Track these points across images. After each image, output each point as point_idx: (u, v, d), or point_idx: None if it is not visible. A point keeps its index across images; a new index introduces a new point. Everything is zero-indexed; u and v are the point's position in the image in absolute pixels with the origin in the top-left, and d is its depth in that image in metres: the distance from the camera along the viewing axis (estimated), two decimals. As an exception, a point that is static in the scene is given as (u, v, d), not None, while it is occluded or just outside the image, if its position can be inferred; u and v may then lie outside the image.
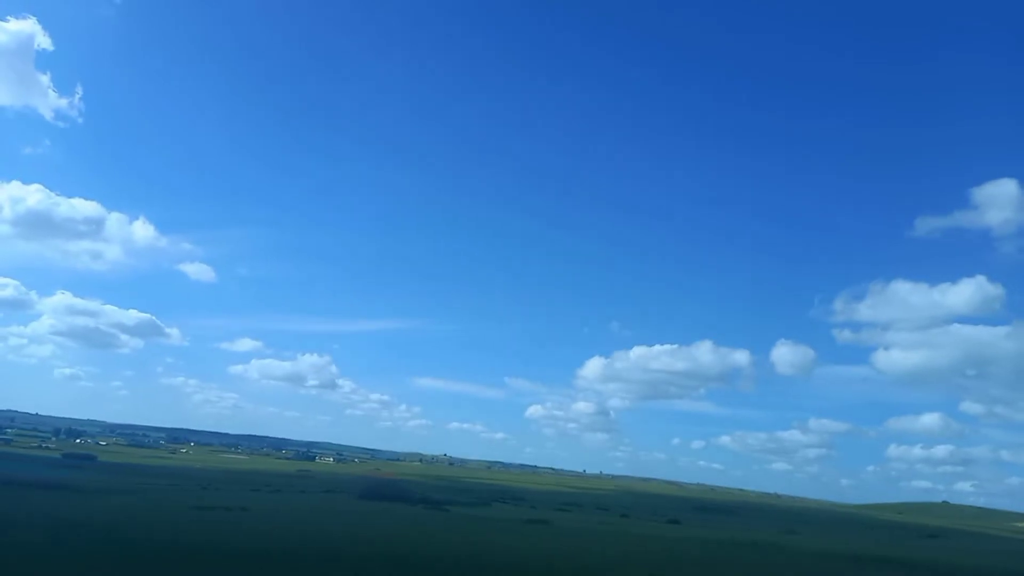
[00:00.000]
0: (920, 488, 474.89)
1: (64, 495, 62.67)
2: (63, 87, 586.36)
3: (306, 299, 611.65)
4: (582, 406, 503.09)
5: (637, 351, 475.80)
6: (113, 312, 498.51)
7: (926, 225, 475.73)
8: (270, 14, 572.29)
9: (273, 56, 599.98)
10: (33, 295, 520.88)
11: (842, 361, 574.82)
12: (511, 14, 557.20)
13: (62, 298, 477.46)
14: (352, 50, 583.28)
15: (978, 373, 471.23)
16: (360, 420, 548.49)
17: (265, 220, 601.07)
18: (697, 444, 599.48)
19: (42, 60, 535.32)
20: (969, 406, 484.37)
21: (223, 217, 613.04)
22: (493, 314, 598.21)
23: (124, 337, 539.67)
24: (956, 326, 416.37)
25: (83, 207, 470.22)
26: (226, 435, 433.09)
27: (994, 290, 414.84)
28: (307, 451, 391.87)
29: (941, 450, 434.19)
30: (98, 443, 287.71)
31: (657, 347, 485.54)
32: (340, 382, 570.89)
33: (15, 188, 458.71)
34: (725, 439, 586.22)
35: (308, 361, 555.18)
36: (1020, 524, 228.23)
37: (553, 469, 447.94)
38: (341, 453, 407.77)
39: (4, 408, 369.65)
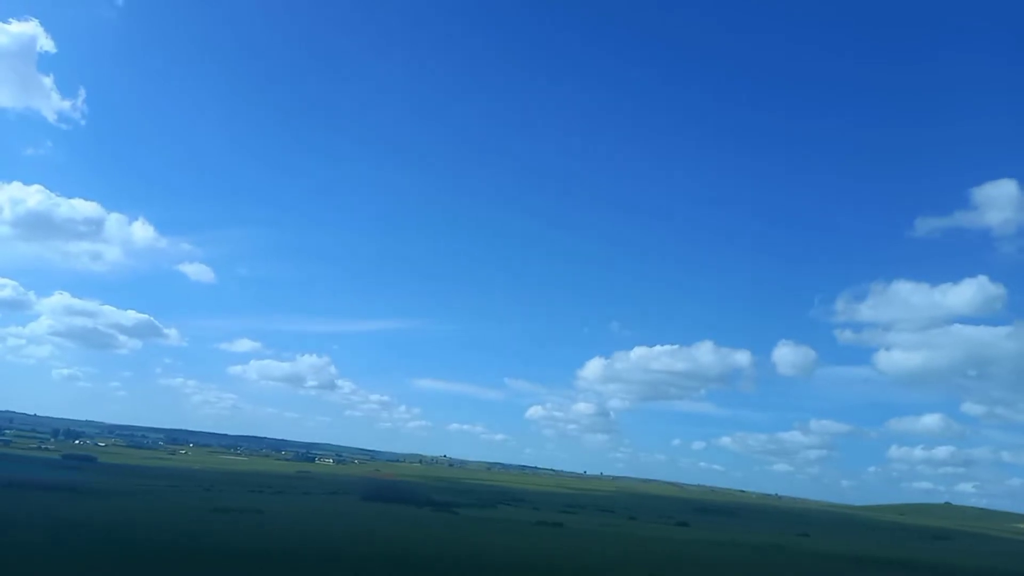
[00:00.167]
0: (921, 489, 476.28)
1: (74, 497, 61.98)
2: (66, 89, 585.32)
3: (305, 299, 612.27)
4: (582, 407, 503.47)
5: (637, 352, 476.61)
6: (112, 313, 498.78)
7: (926, 225, 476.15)
8: (270, 15, 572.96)
9: (273, 57, 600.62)
10: (32, 295, 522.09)
11: (843, 362, 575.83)
12: (511, 14, 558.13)
13: (61, 299, 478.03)
14: (352, 50, 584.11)
15: (979, 374, 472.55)
16: (359, 421, 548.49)
17: (264, 221, 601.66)
18: (698, 445, 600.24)
19: (44, 62, 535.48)
20: (970, 407, 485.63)
21: (222, 218, 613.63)
22: (493, 315, 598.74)
23: (123, 338, 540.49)
24: (957, 326, 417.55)
25: (83, 208, 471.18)
26: (225, 436, 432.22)
27: (995, 290, 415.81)
28: (306, 452, 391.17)
29: (942, 451, 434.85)
30: (97, 444, 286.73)
31: (658, 347, 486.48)
32: (339, 383, 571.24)
33: (16, 189, 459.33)
34: (726, 440, 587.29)
35: (307, 362, 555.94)
36: (1022, 525, 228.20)
37: (553, 470, 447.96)
38: (340, 454, 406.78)
39: (2, 409, 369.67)
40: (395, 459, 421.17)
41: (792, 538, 79.47)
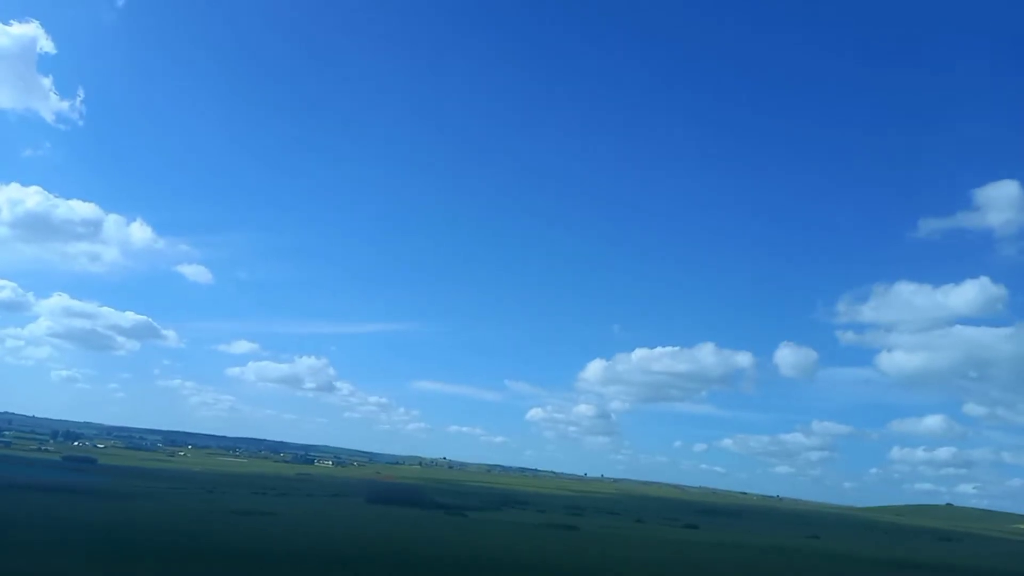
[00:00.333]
0: (923, 490, 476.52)
1: (84, 499, 61.46)
2: (65, 90, 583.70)
3: (304, 301, 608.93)
4: (583, 409, 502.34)
5: (638, 353, 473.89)
6: (110, 314, 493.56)
7: (928, 226, 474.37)
8: (270, 16, 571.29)
9: (272, 58, 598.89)
10: (30, 297, 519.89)
11: (845, 363, 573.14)
12: (511, 14, 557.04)
13: (59, 300, 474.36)
14: (352, 50, 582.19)
15: (980, 375, 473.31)
16: (358, 423, 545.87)
17: (263, 222, 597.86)
18: (699, 447, 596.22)
19: (44, 63, 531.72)
20: (971, 408, 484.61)
21: (221, 219, 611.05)
22: (493, 316, 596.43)
23: (121, 339, 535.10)
24: (958, 327, 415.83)
25: (81, 209, 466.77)
26: (223, 438, 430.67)
27: (996, 291, 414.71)
28: (305, 454, 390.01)
29: (943, 452, 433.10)
30: (96, 446, 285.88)
31: (658, 349, 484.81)
32: (338, 385, 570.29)
33: (14, 190, 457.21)
34: (727, 442, 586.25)
35: (306, 363, 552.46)
36: (1022, 526, 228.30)
37: (553, 472, 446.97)
38: (339, 456, 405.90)
39: (1, 410, 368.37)
40: (394, 461, 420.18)
41: (805, 540, 79.02)
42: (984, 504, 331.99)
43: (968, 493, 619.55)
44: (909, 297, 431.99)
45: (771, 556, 50.88)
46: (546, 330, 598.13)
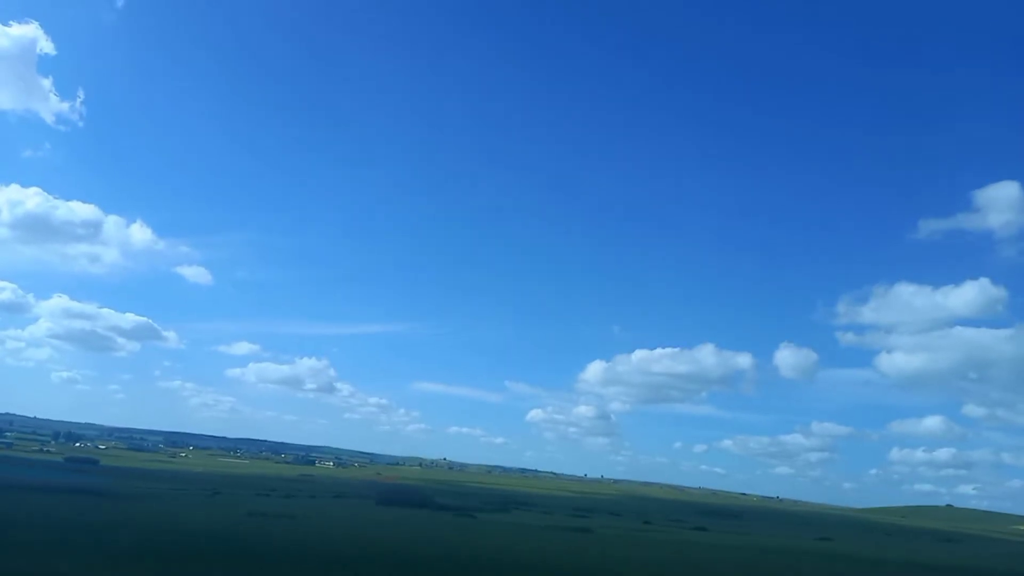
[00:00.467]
0: (923, 491, 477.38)
1: (95, 501, 61.42)
2: (64, 91, 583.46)
3: (304, 302, 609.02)
4: (583, 410, 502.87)
5: (638, 354, 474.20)
6: (110, 315, 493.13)
7: (928, 227, 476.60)
8: (270, 17, 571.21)
9: (272, 59, 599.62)
10: (31, 298, 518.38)
11: (845, 364, 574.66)
12: (511, 14, 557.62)
13: (59, 301, 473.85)
14: (352, 51, 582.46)
15: (980, 376, 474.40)
16: (359, 424, 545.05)
17: (263, 223, 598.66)
18: (699, 448, 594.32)
19: (44, 64, 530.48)
20: (971, 409, 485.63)
21: (220, 220, 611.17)
22: (493, 317, 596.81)
23: (121, 340, 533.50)
24: (958, 329, 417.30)
25: (81, 210, 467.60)
26: (224, 439, 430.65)
27: (996, 292, 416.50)
28: (306, 455, 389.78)
29: (943, 453, 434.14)
30: (97, 447, 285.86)
31: (658, 350, 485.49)
32: (338, 386, 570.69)
33: (14, 191, 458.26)
34: (727, 443, 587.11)
35: (306, 364, 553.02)
36: (1022, 527, 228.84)
37: (554, 473, 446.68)
38: (340, 457, 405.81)
39: (2, 411, 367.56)
40: (394, 462, 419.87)
41: (817, 543, 79.12)
42: (984, 505, 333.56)
43: (968, 494, 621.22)
44: (909, 298, 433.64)
45: (790, 559, 50.94)
46: (546, 331, 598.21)
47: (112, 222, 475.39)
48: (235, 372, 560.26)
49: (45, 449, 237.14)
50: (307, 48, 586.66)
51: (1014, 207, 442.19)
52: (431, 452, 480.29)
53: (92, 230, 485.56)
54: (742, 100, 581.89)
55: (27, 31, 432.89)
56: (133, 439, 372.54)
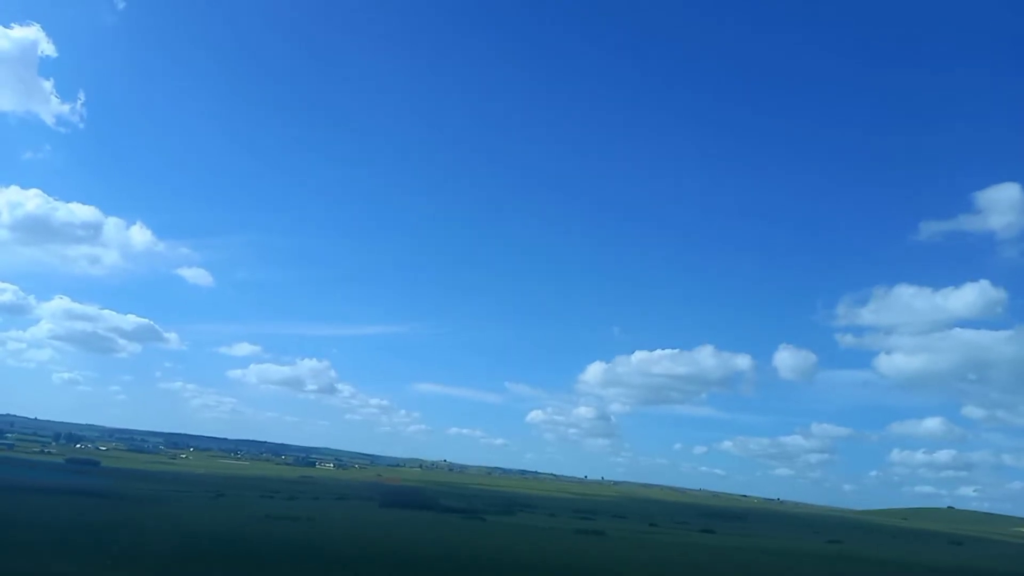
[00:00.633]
0: (923, 493, 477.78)
1: (99, 502, 60.90)
2: (65, 93, 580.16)
3: (305, 303, 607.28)
4: (583, 411, 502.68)
5: (638, 356, 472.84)
6: (111, 317, 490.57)
7: (929, 229, 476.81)
8: (270, 19, 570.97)
9: (273, 60, 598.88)
10: (32, 300, 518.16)
11: (844, 365, 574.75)
12: (511, 14, 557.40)
13: (60, 303, 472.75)
14: (352, 50, 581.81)
15: (980, 377, 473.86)
16: (359, 425, 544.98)
17: (263, 224, 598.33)
18: (699, 449, 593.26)
19: (45, 66, 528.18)
20: (971, 410, 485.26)
21: (221, 222, 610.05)
22: (493, 318, 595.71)
23: (122, 342, 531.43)
24: (958, 330, 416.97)
25: (81, 212, 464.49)
26: (224, 440, 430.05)
27: (996, 294, 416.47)
28: (306, 456, 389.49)
29: (943, 455, 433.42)
30: (98, 448, 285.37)
31: (658, 351, 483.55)
32: (339, 387, 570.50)
33: (14, 193, 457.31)
34: (727, 444, 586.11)
35: (307, 366, 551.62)
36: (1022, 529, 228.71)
37: (553, 475, 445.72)
38: (340, 458, 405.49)
39: (3, 412, 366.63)
40: (395, 463, 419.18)
41: (829, 545, 78.93)
42: (985, 507, 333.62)
43: (968, 496, 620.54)
44: (909, 300, 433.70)
45: (809, 562, 50.78)
46: (546, 332, 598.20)
47: (112, 224, 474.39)
48: (236, 373, 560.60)
49: (46, 450, 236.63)
50: (307, 48, 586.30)
51: (1015, 209, 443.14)
52: (431, 453, 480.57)
53: (93, 232, 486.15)
54: (742, 100, 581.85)
55: (28, 33, 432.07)
56: (134, 440, 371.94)
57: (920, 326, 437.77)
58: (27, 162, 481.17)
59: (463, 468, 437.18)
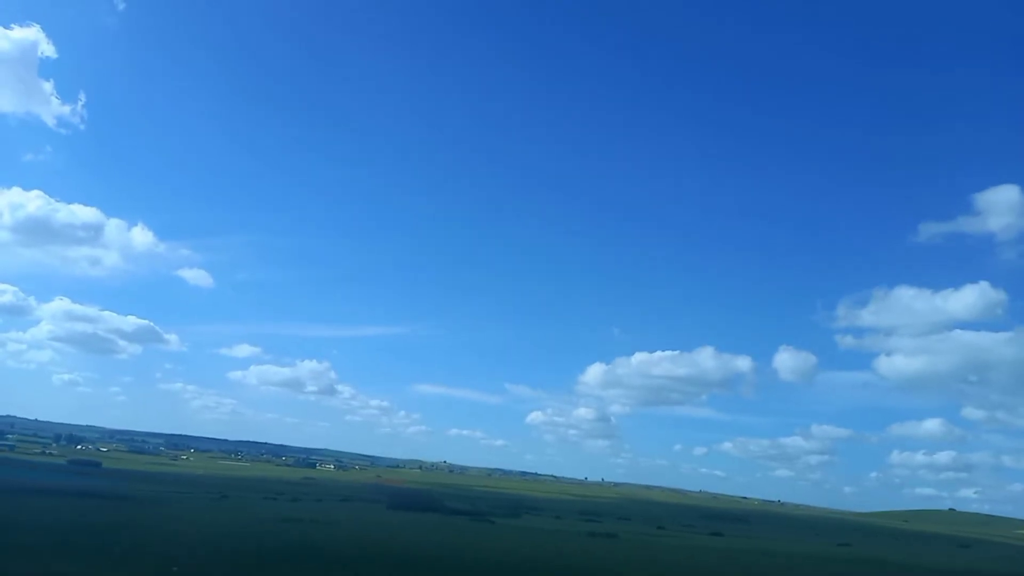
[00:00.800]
0: (924, 495, 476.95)
1: (101, 503, 60.56)
2: (66, 94, 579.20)
3: (305, 304, 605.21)
4: (583, 412, 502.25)
5: (638, 357, 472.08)
6: (112, 318, 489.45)
7: (929, 231, 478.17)
8: (270, 19, 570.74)
9: (273, 61, 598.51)
10: (32, 301, 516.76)
11: (844, 367, 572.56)
12: (511, 15, 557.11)
13: (61, 304, 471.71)
14: (352, 50, 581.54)
15: (980, 379, 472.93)
16: (359, 426, 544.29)
17: (264, 226, 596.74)
18: (699, 451, 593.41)
19: (45, 67, 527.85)
20: (971, 412, 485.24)
21: (221, 223, 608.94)
22: (493, 319, 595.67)
23: (123, 343, 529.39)
24: (958, 332, 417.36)
25: (82, 213, 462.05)
26: (225, 441, 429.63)
27: (996, 296, 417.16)
28: (307, 458, 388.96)
29: (943, 456, 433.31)
30: (99, 449, 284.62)
31: (658, 353, 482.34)
32: (339, 388, 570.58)
33: (15, 194, 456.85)
34: (727, 445, 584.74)
35: (307, 367, 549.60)
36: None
37: (554, 476, 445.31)
38: (341, 460, 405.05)
39: (3, 414, 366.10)
40: (395, 465, 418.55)
41: (839, 548, 78.85)
42: (986, 509, 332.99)
43: (969, 498, 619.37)
44: (909, 301, 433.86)
45: (832, 565, 50.62)
46: (546, 333, 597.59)
47: (113, 225, 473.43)
48: (236, 374, 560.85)
49: (47, 452, 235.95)
50: (307, 48, 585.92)
51: (1014, 210, 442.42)
52: (431, 455, 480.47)
53: (93, 233, 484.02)
54: (742, 100, 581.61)
55: (28, 34, 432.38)
56: (134, 441, 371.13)
57: (920, 327, 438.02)
58: (28, 163, 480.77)
59: (463, 469, 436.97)
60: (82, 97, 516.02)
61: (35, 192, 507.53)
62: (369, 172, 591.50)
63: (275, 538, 40.49)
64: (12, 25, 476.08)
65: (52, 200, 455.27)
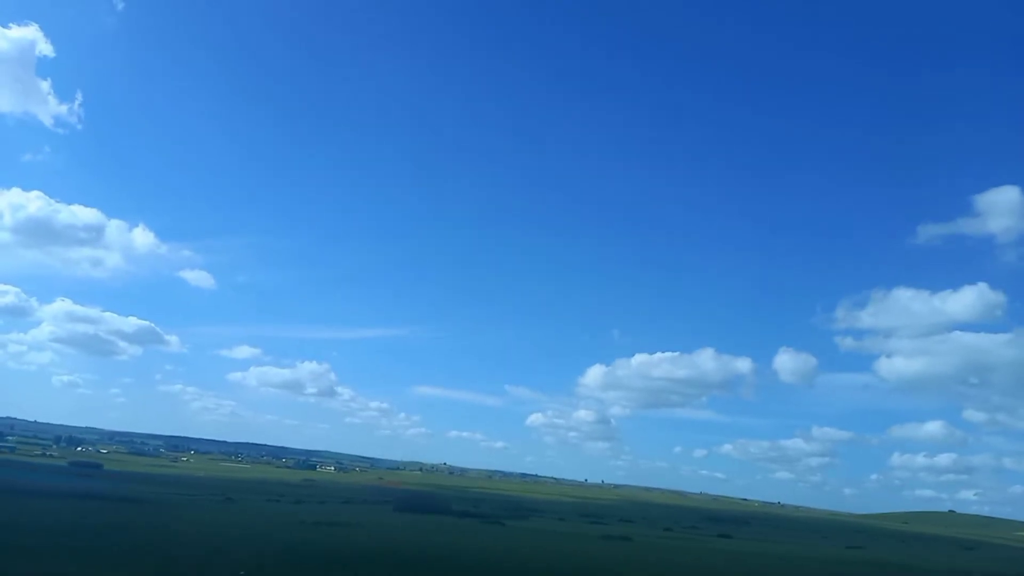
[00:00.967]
0: (924, 497, 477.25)
1: (127, 507, 60.34)
2: (63, 94, 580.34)
3: (305, 306, 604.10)
4: (583, 414, 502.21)
5: (638, 359, 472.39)
6: (113, 319, 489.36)
7: (928, 232, 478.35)
8: (270, 19, 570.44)
9: (273, 62, 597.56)
10: (33, 302, 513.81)
11: (844, 369, 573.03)
12: (511, 16, 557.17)
13: (62, 305, 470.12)
14: (352, 50, 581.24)
15: (980, 381, 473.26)
16: (359, 428, 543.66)
17: (264, 227, 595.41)
18: (699, 453, 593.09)
19: (43, 67, 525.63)
20: (971, 414, 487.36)
21: (223, 224, 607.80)
22: (493, 321, 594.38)
23: (123, 344, 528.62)
24: (957, 333, 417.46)
25: (83, 214, 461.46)
26: (224, 443, 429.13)
27: (995, 297, 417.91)
28: (306, 459, 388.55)
29: (944, 458, 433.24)
30: (99, 451, 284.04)
31: (658, 355, 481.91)
32: (339, 390, 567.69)
33: (15, 195, 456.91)
34: (727, 447, 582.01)
35: (307, 369, 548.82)
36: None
37: (554, 478, 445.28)
38: (341, 462, 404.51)
39: (3, 415, 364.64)
40: (395, 466, 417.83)
41: (852, 551, 78.85)
42: (986, 511, 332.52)
43: (969, 500, 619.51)
44: (908, 303, 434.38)
45: (855, 569, 50.51)
46: (546, 335, 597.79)
47: (114, 226, 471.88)
48: (236, 376, 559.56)
49: (47, 453, 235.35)
50: (307, 48, 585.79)
51: (1014, 212, 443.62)
52: (431, 456, 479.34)
53: (94, 234, 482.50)
54: (742, 100, 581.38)
55: (26, 33, 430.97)
56: (134, 443, 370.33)
57: (919, 329, 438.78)
58: (27, 164, 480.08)
59: (463, 471, 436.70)
60: (79, 96, 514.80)
61: (35, 193, 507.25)
62: (369, 174, 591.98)
63: (309, 543, 40.31)
64: (10, 24, 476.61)
65: (52, 201, 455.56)
